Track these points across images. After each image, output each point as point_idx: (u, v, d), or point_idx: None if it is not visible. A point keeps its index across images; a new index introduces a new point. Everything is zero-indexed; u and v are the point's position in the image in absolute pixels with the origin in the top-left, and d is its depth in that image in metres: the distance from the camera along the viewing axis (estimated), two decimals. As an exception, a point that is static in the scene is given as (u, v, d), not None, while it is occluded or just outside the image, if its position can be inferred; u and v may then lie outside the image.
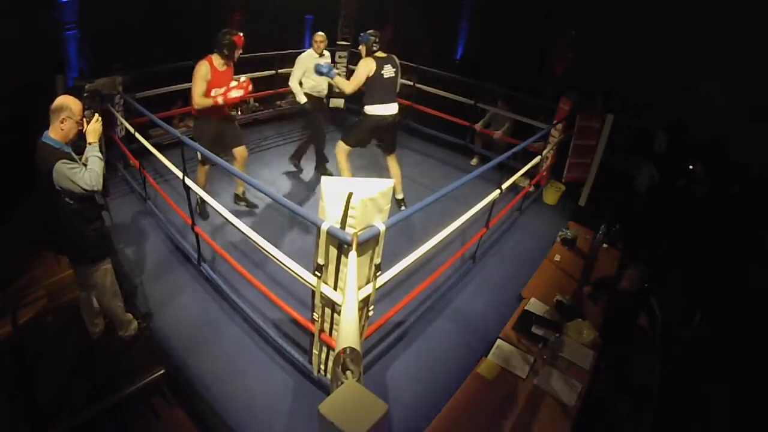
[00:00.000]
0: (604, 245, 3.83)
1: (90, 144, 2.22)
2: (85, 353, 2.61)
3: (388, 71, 3.89)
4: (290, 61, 6.52)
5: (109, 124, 4.25)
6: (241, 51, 3.58)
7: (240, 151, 3.85)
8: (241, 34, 3.54)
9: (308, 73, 4.56)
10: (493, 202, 3.44)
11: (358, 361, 1.45)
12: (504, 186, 3.52)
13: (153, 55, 5.18)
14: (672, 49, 6.26)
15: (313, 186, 4.83)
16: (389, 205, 2.15)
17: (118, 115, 4.29)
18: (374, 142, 4.26)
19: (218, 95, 3.42)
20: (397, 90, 4.04)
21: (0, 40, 4.26)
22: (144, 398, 2.41)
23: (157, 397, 2.43)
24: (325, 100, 5.06)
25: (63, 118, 2.12)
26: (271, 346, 2.79)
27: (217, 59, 3.49)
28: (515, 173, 3.89)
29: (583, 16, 7.45)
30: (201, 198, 3.46)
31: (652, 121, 5.87)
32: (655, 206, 4.82)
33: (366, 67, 3.80)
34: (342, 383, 1.34)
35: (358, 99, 4.14)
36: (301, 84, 4.63)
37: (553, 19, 7.96)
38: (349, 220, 1.96)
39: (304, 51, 4.82)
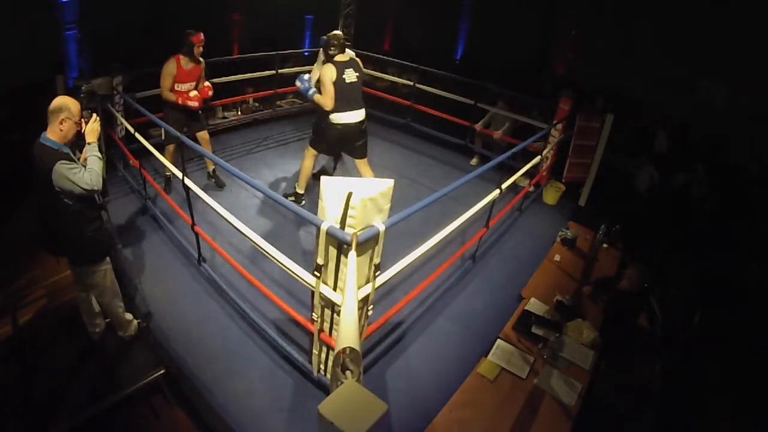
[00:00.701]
0: (604, 245, 3.83)
1: (89, 144, 2.22)
2: (85, 353, 2.61)
3: (350, 76, 3.70)
4: (290, 61, 6.56)
5: (108, 123, 4.26)
6: (200, 48, 3.93)
7: (201, 135, 4.31)
8: (201, 34, 3.89)
9: None
10: (493, 202, 3.44)
11: (357, 361, 1.44)
12: (504, 186, 3.52)
13: (153, 55, 5.18)
14: (672, 48, 6.25)
15: (313, 186, 4.83)
16: (389, 205, 2.15)
17: (118, 115, 4.29)
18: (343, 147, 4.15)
19: (178, 96, 3.95)
20: (361, 94, 3.87)
21: (0, 40, 4.27)
22: (144, 398, 2.41)
23: (157, 397, 2.44)
24: None
25: (62, 119, 2.11)
26: (271, 346, 2.79)
27: (183, 58, 3.91)
28: (515, 173, 3.89)
29: (583, 16, 7.45)
30: (169, 175, 4.13)
31: (653, 121, 5.88)
32: (655, 206, 4.82)
33: (328, 75, 3.62)
34: (342, 383, 1.34)
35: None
36: None
37: (553, 19, 7.96)
38: (348, 220, 1.96)
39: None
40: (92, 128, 2.23)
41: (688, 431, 2.77)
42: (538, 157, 4.47)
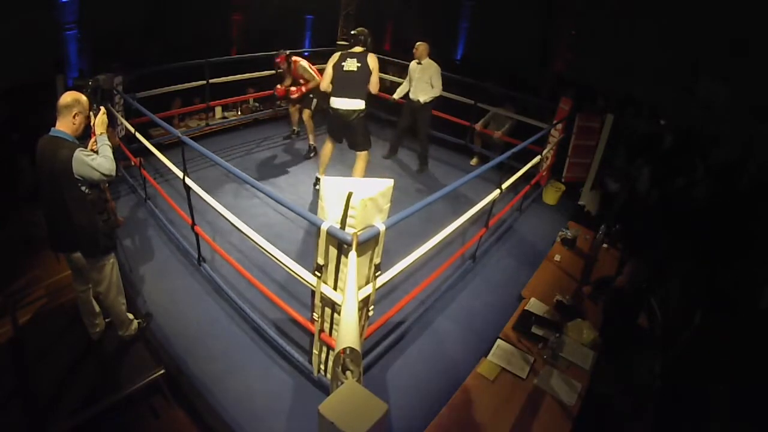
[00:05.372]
0: (604, 245, 3.83)
1: (99, 135, 2.30)
2: (85, 353, 2.61)
3: (350, 65, 4.03)
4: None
5: (109, 123, 4.27)
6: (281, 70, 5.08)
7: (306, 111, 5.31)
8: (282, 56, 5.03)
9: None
10: (493, 202, 3.44)
11: (358, 361, 1.44)
12: (504, 186, 3.52)
13: (153, 55, 5.18)
14: (672, 48, 6.25)
15: (313, 186, 4.83)
16: (389, 205, 2.15)
17: (118, 115, 4.29)
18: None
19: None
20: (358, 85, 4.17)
21: (0, 40, 4.26)
22: (144, 398, 2.41)
23: (157, 397, 2.44)
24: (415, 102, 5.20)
25: (75, 113, 2.19)
26: (271, 346, 2.79)
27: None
28: (515, 173, 3.89)
29: (583, 15, 7.45)
30: (312, 144, 5.41)
31: (651, 118, 5.87)
32: (655, 206, 4.81)
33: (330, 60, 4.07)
34: (342, 383, 1.33)
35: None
36: None
37: (553, 18, 7.96)
38: (349, 220, 1.96)
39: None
40: (101, 120, 2.31)
41: (689, 431, 2.77)
42: (538, 157, 4.47)
